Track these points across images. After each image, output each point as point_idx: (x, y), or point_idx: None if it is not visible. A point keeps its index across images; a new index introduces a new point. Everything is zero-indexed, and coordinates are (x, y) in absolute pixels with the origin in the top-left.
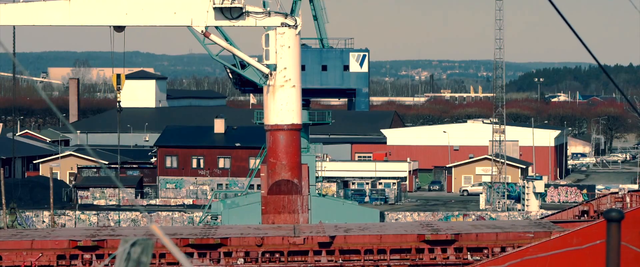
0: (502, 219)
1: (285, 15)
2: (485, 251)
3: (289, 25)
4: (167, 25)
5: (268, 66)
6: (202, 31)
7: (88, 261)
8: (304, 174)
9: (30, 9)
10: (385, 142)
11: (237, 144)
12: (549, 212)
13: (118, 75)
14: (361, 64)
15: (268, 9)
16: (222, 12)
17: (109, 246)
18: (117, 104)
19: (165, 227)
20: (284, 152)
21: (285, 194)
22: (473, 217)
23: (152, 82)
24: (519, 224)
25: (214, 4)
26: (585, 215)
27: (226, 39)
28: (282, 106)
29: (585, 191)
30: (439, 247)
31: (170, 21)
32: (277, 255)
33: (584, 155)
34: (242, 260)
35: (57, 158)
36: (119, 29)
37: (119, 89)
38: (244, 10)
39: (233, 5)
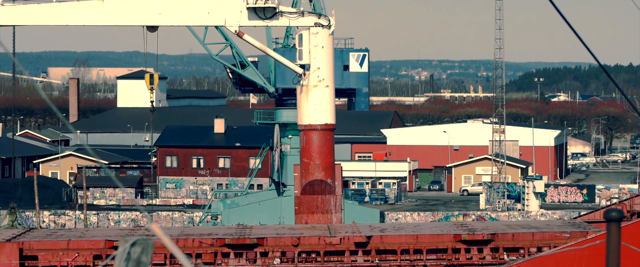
0: (502, 218)
1: (319, 16)
2: (522, 251)
3: (323, 26)
4: (200, 25)
5: (301, 66)
6: (235, 31)
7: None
8: (337, 174)
9: (62, 9)
10: (385, 142)
11: (237, 144)
12: (550, 211)
13: (151, 75)
14: (361, 64)
15: (301, 8)
16: (256, 12)
17: None
18: (151, 103)
19: (199, 227)
20: (317, 152)
21: (318, 194)
22: (473, 217)
23: None
24: (554, 224)
25: (247, 4)
26: None
27: (226, 39)
28: (316, 106)
29: (585, 191)
30: (475, 247)
31: (204, 21)
32: (313, 255)
33: (584, 155)
34: (278, 260)
35: (57, 158)
36: (152, 29)
37: (152, 89)
38: (277, 10)
39: (266, 5)
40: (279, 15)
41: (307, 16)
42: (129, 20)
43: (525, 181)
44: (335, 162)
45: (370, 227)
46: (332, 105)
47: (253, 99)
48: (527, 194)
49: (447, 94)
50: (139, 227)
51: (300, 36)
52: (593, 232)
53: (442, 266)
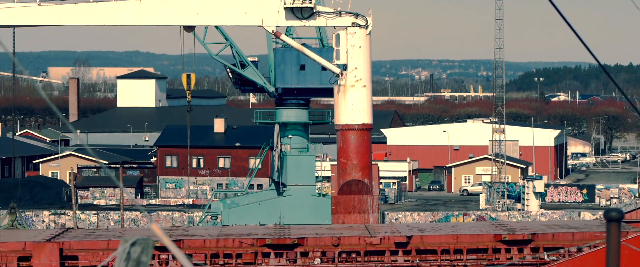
0: (502, 218)
1: (356, 15)
2: (562, 251)
3: (360, 25)
4: (237, 25)
5: (338, 66)
6: (272, 31)
7: (165, 261)
8: (374, 173)
9: (100, 9)
10: (385, 142)
11: (237, 144)
12: (550, 211)
13: (188, 76)
14: None
15: (338, 8)
16: (293, 12)
17: (186, 246)
18: (188, 104)
19: (237, 227)
20: (354, 152)
21: (355, 193)
22: (473, 216)
23: (152, 81)
24: (592, 223)
25: (284, 4)
26: None
27: (226, 39)
28: (353, 106)
29: (585, 191)
30: (515, 247)
31: (241, 21)
32: (353, 255)
33: (583, 155)
34: (318, 260)
35: (57, 158)
36: (189, 29)
37: (189, 90)
38: (314, 11)
39: (304, 5)
40: (316, 15)
41: (344, 16)
42: (167, 20)
43: (525, 181)
44: (372, 162)
45: (408, 227)
46: (370, 105)
47: (253, 99)
48: (527, 193)
49: (447, 94)
50: (176, 227)
51: (338, 36)
52: (633, 232)
53: (482, 265)
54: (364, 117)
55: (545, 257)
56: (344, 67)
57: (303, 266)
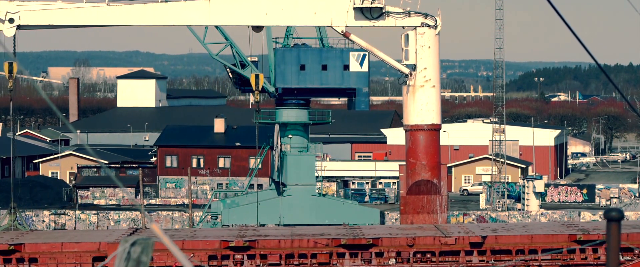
0: (502, 218)
1: (425, 16)
2: (637, 251)
3: (429, 26)
4: (307, 25)
5: (407, 66)
6: (342, 31)
7: (239, 261)
8: (442, 174)
9: (169, 9)
10: (385, 142)
11: (237, 144)
12: (550, 211)
13: (256, 76)
14: (361, 64)
15: (408, 8)
16: (362, 12)
17: (260, 246)
18: (257, 104)
19: (310, 228)
20: (423, 153)
21: (424, 194)
22: (473, 216)
23: (152, 81)
24: None
25: (354, 4)
26: None
27: (226, 39)
28: (422, 106)
29: (585, 191)
30: (590, 247)
31: (310, 21)
32: (428, 255)
33: (584, 154)
34: (393, 260)
35: (57, 158)
36: (257, 29)
37: (257, 90)
38: (384, 11)
39: (373, 6)
40: (385, 16)
41: (413, 16)
42: (236, 21)
43: (525, 181)
44: (401, 163)
45: (479, 227)
46: (439, 105)
47: (253, 98)
48: (527, 193)
49: (447, 94)
50: (246, 227)
51: (407, 36)
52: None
53: (557, 266)
54: (433, 117)
55: (620, 257)
56: (413, 68)
57: (378, 266)
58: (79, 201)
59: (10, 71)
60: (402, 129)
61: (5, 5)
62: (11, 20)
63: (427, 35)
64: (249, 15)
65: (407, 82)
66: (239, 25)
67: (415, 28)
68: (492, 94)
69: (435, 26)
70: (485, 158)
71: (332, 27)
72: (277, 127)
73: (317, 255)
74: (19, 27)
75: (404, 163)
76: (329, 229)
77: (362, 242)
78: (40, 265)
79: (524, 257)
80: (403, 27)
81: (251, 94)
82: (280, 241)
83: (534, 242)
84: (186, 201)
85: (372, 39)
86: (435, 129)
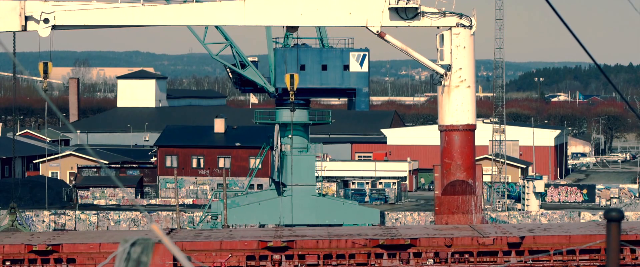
0: (502, 218)
1: (460, 16)
2: None
3: (464, 26)
4: (342, 25)
5: (442, 66)
6: (377, 31)
7: (278, 262)
8: (477, 174)
9: (204, 9)
10: (385, 142)
11: (237, 144)
12: (550, 211)
13: (291, 76)
14: (361, 64)
15: (443, 9)
16: (398, 12)
17: (298, 247)
18: (291, 105)
19: (347, 228)
20: (459, 153)
21: (459, 194)
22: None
23: (152, 81)
24: None
25: (389, 4)
26: None
27: (226, 39)
28: (457, 107)
29: (585, 191)
30: (627, 248)
31: (346, 21)
32: (466, 255)
33: (584, 155)
34: (431, 260)
35: (57, 158)
36: (292, 29)
37: (292, 90)
38: (419, 11)
39: (409, 6)
40: (420, 16)
41: (448, 16)
42: (271, 21)
43: (525, 181)
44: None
45: (515, 227)
46: (474, 105)
47: (253, 99)
48: (527, 194)
49: None
50: (281, 227)
51: (441, 36)
52: None
53: (595, 266)
54: (469, 117)
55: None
56: (448, 68)
57: (416, 266)
58: (79, 201)
59: (46, 71)
60: (402, 129)
61: (40, 5)
62: (46, 21)
63: (462, 36)
64: (284, 16)
65: (442, 83)
66: (274, 25)
67: (450, 28)
68: (492, 94)
69: (470, 26)
70: (486, 158)
71: (367, 27)
72: (277, 127)
73: (355, 255)
74: (53, 27)
75: (405, 162)
76: (366, 230)
77: (400, 242)
78: (78, 265)
79: (562, 257)
80: (438, 28)
81: (252, 93)
82: (318, 242)
83: (572, 243)
84: (186, 201)
85: (405, 39)
86: (470, 129)
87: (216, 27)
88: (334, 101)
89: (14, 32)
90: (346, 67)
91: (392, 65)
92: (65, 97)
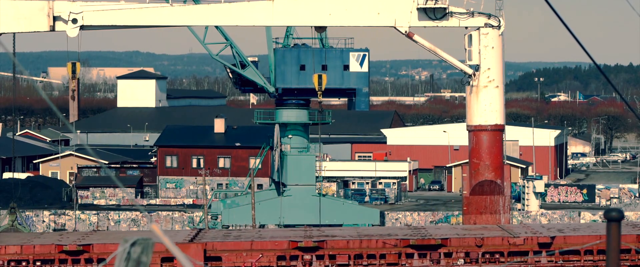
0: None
1: (489, 16)
2: None
3: (493, 26)
4: (370, 25)
5: (471, 66)
6: (405, 31)
7: (308, 262)
8: (505, 174)
9: (232, 10)
10: (385, 142)
11: (237, 144)
12: (550, 211)
13: (319, 76)
14: (361, 64)
15: (471, 9)
16: (426, 12)
17: (329, 247)
18: (319, 104)
19: (376, 228)
20: (487, 153)
21: (487, 194)
22: None
23: (152, 81)
24: None
25: (418, 4)
26: None
27: (226, 39)
28: (486, 107)
29: (585, 191)
30: None
31: (374, 21)
32: (496, 255)
33: (584, 155)
34: (462, 260)
35: (57, 158)
36: (320, 29)
37: (320, 91)
38: (447, 11)
39: (437, 6)
40: (449, 16)
41: (477, 17)
42: (299, 21)
43: (525, 181)
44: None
45: (544, 227)
46: (502, 105)
47: (253, 99)
48: (527, 194)
49: (447, 94)
50: (310, 227)
51: (470, 37)
52: None
53: (625, 266)
54: (497, 117)
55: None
56: (476, 68)
57: (447, 266)
58: (79, 201)
59: (74, 71)
60: (402, 129)
61: (69, 5)
62: (74, 21)
63: (491, 36)
64: (312, 16)
65: (471, 83)
66: (302, 25)
67: (478, 28)
68: None
69: (499, 27)
70: None
71: (395, 27)
72: (277, 127)
73: (386, 255)
74: (82, 27)
75: (407, 161)
76: (395, 230)
77: (431, 242)
78: (108, 265)
79: (593, 258)
80: (466, 28)
81: (252, 93)
82: (348, 242)
83: (603, 243)
84: (186, 201)
85: (433, 39)
86: (498, 130)
87: (216, 27)
88: (334, 101)
89: (14, 33)
90: (346, 67)
91: (392, 65)
92: (65, 97)
